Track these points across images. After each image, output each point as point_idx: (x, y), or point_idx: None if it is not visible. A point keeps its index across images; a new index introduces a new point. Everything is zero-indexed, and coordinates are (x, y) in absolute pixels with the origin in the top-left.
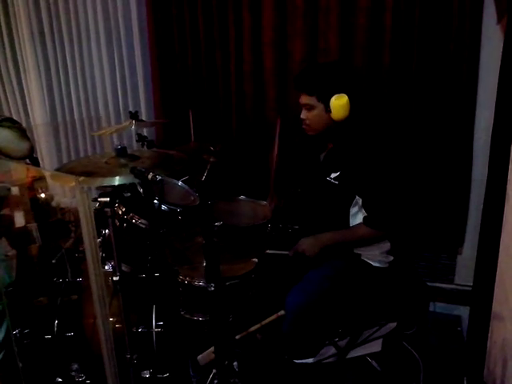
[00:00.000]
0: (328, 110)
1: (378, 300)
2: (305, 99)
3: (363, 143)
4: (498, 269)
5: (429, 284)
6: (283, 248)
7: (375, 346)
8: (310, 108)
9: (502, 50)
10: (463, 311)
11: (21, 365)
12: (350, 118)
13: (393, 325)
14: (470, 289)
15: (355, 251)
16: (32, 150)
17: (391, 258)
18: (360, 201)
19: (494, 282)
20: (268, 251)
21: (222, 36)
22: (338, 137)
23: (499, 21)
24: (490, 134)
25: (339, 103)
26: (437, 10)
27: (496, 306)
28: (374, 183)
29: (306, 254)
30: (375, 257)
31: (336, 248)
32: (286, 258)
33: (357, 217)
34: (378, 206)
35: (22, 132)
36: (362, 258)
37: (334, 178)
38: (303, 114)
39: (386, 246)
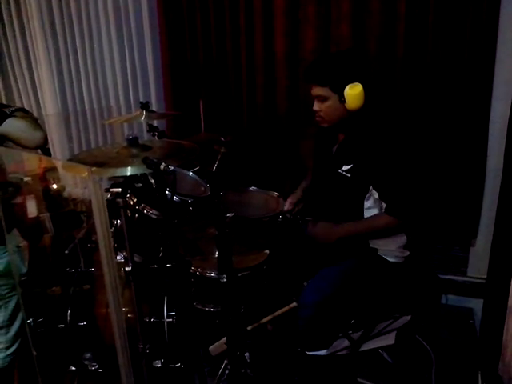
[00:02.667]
0: (342, 100)
1: (392, 294)
2: (317, 90)
3: (377, 134)
4: None
5: (441, 276)
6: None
7: (389, 339)
8: (324, 99)
9: None
10: (476, 304)
11: (35, 353)
12: (364, 107)
13: (407, 318)
14: (483, 281)
15: (371, 246)
16: (46, 139)
17: (407, 253)
18: (376, 194)
19: (511, 274)
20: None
21: (232, 26)
22: (352, 127)
23: None
24: (506, 125)
25: (354, 92)
26: None
27: None
28: (391, 173)
29: (318, 240)
30: (392, 252)
31: (353, 241)
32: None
33: (371, 211)
34: (397, 194)
35: (36, 122)
36: (379, 253)
37: (347, 171)
38: (316, 106)
39: (403, 240)
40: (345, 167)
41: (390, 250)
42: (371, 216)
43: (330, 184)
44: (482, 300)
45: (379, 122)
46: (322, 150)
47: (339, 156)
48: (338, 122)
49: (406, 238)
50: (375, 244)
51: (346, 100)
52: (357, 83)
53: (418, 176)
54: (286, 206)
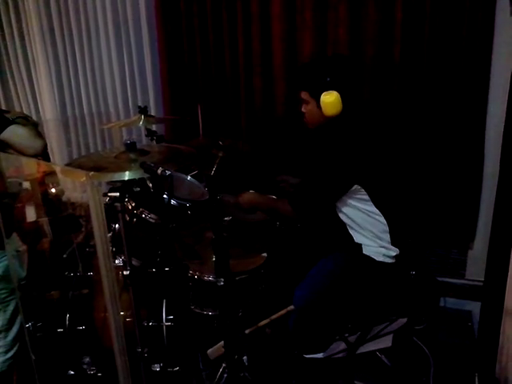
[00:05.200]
0: (319, 105)
1: (386, 295)
2: (302, 94)
3: (329, 140)
4: (511, 263)
5: (439, 279)
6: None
7: (386, 342)
8: (306, 103)
9: None
10: (474, 306)
11: (34, 357)
12: (342, 115)
13: (403, 320)
14: (481, 284)
15: (356, 241)
16: (45, 147)
17: (395, 252)
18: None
19: (507, 276)
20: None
21: (230, 30)
22: (329, 132)
23: None
24: (502, 128)
25: (327, 100)
26: (448, 2)
27: (508, 301)
28: (311, 170)
29: (239, 202)
30: (375, 249)
31: (336, 237)
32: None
33: (345, 208)
34: (301, 190)
35: (37, 129)
36: (364, 252)
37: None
38: (302, 108)
39: (385, 240)
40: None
41: (371, 246)
42: (279, 198)
43: None
44: (480, 302)
45: (341, 131)
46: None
47: (308, 158)
48: (318, 125)
49: (388, 237)
50: (358, 239)
51: (322, 106)
52: (332, 91)
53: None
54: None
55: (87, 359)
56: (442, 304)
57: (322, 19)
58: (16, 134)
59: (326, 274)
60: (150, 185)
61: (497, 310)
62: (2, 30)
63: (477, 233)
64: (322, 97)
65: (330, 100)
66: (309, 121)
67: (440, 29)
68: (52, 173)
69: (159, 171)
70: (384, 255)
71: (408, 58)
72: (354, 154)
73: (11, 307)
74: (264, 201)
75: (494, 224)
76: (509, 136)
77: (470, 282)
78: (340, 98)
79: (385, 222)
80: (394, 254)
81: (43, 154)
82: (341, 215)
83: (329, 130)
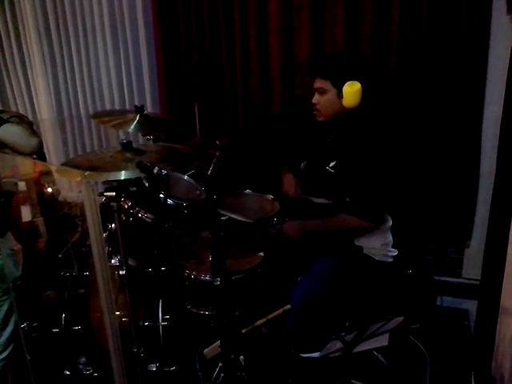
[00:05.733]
0: (340, 95)
1: (383, 294)
2: (319, 83)
3: (363, 134)
4: (507, 262)
5: (436, 278)
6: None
7: (382, 341)
8: (323, 92)
9: (511, 41)
10: (471, 305)
11: (29, 358)
12: (360, 107)
13: (400, 319)
14: (478, 283)
15: (356, 243)
16: (41, 145)
17: (395, 252)
18: None
19: (503, 275)
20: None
21: (227, 30)
22: (345, 125)
23: (509, 11)
24: (499, 127)
25: (351, 90)
26: (445, 2)
27: (504, 300)
28: (362, 175)
29: (289, 235)
30: (378, 251)
31: (337, 239)
32: (269, 234)
33: None
34: (361, 195)
35: (31, 128)
36: (365, 251)
37: (331, 167)
38: (315, 99)
39: (387, 237)
40: (331, 163)
41: (375, 248)
42: (338, 215)
43: (318, 179)
44: (476, 301)
45: (370, 124)
46: (316, 145)
47: (328, 152)
48: (333, 117)
49: (390, 235)
50: (359, 242)
51: (343, 96)
52: (356, 82)
53: (392, 179)
54: (296, 194)
55: (83, 359)
56: (438, 303)
57: (319, 19)
58: (10, 132)
59: (323, 274)
60: (147, 184)
61: (493, 308)
62: None
63: (473, 231)
64: (345, 86)
65: (355, 89)
66: (323, 112)
67: (436, 28)
68: (48, 172)
69: (155, 170)
70: (384, 255)
71: (405, 58)
72: (389, 147)
73: (5, 307)
74: (318, 225)
75: (490, 223)
76: (505, 135)
77: (467, 281)
78: (361, 90)
79: (389, 219)
80: (395, 253)
81: (39, 154)
82: None
83: (353, 123)
